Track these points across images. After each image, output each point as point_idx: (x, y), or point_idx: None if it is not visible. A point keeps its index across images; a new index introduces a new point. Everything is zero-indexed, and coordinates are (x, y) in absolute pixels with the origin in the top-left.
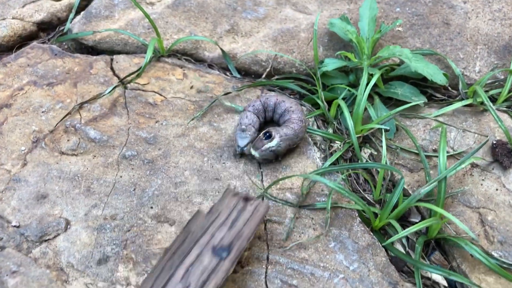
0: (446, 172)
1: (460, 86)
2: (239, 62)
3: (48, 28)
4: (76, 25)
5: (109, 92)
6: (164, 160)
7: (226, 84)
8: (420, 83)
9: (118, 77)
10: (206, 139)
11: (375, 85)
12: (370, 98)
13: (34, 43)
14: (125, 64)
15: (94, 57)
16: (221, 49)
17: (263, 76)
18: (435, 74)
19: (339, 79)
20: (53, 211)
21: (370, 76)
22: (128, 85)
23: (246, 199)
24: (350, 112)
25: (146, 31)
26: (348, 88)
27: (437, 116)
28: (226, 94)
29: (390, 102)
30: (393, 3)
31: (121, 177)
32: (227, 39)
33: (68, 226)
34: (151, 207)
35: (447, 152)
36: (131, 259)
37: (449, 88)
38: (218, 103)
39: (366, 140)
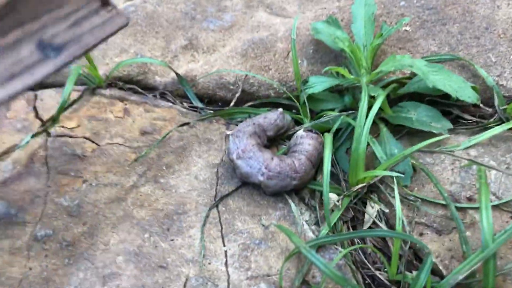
0: (495, 245)
1: (496, 102)
2: (200, 87)
3: None
4: None
5: (26, 143)
6: (90, 241)
7: (180, 120)
8: (441, 100)
9: (42, 120)
10: (149, 204)
11: (380, 108)
12: (374, 126)
13: None
14: (52, 102)
15: None
16: (175, 72)
17: (232, 103)
18: (461, 89)
19: (331, 102)
20: None
21: (372, 98)
22: (52, 130)
23: (105, 2)
24: (348, 148)
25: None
26: (343, 114)
27: (468, 148)
28: (183, 125)
29: (402, 129)
30: None
31: (30, 269)
32: (184, 58)
33: None
34: None
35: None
36: None
37: (481, 105)
38: (170, 148)
39: (373, 189)
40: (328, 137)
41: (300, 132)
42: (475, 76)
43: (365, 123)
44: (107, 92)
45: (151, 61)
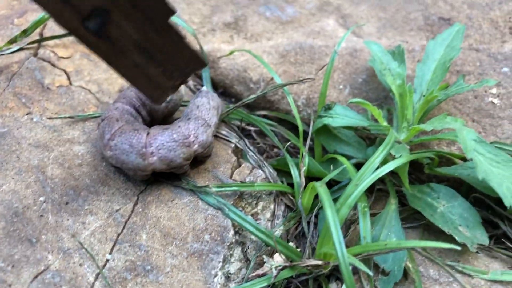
0: None
1: None
2: (218, 72)
3: None
4: None
5: (9, 52)
6: None
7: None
8: (491, 204)
9: (41, 36)
10: (69, 166)
11: (399, 178)
12: (384, 197)
13: None
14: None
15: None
16: (200, 44)
17: (242, 102)
18: None
19: (350, 147)
20: None
21: (393, 158)
22: (41, 51)
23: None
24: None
25: None
26: (353, 166)
27: (496, 281)
28: None
29: (419, 218)
30: (501, 58)
31: None
32: (221, 36)
33: None
34: None
35: None
36: None
37: None
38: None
39: (338, 274)
40: (321, 189)
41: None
42: None
43: (359, 187)
44: None
45: (178, 22)
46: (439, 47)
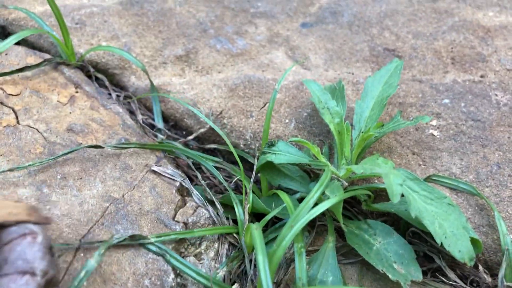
0: None
1: (502, 272)
2: (169, 106)
3: None
4: None
5: None
6: None
7: (117, 131)
8: (428, 239)
9: None
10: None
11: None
12: (325, 231)
13: None
14: (15, 59)
15: None
16: (150, 79)
17: (192, 136)
18: (454, 237)
19: (294, 182)
20: None
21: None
22: None
23: None
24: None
25: (73, 25)
26: (295, 202)
27: None
28: (94, 147)
29: (357, 254)
30: (442, 90)
31: None
32: (172, 69)
33: None
34: None
35: None
36: None
37: (480, 267)
38: (80, 158)
39: None
40: (256, 232)
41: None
42: (491, 227)
43: (294, 229)
44: (68, 72)
45: (127, 57)
46: (377, 84)
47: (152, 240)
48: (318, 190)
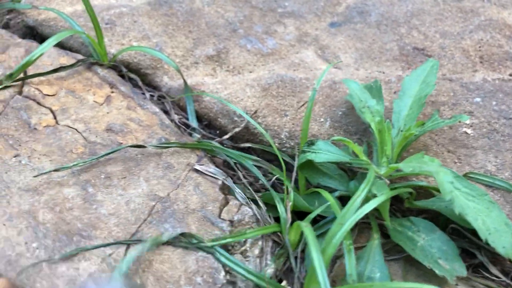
0: None
1: None
2: (203, 105)
3: None
4: None
5: None
6: None
7: (155, 131)
8: (469, 236)
9: (25, 74)
10: (60, 210)
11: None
12: (367, 229)
13: None
14: (48, 60)
15: (19, 40)
16: (184, 79)
17: (227, 136)
18: (497, 233)
19: (333, 180)
20: None
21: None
22: (25, 89)
23: None
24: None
25: (103, 26)
26: (336, 200)
27: None
28: (136, 146)
29: (401, 250)
30: (473, 88)
31: None
32: (204, 69)
33: None
34: None
35: None
36: None
37: None
38: (122, 158)
39: None
40: (307, 229)
41: None
42: None
43: (343, 227)
44: (102, 72)
45: (161, 57)
46: (415, 83)
47: (209, 244)
48: (364, 188)
